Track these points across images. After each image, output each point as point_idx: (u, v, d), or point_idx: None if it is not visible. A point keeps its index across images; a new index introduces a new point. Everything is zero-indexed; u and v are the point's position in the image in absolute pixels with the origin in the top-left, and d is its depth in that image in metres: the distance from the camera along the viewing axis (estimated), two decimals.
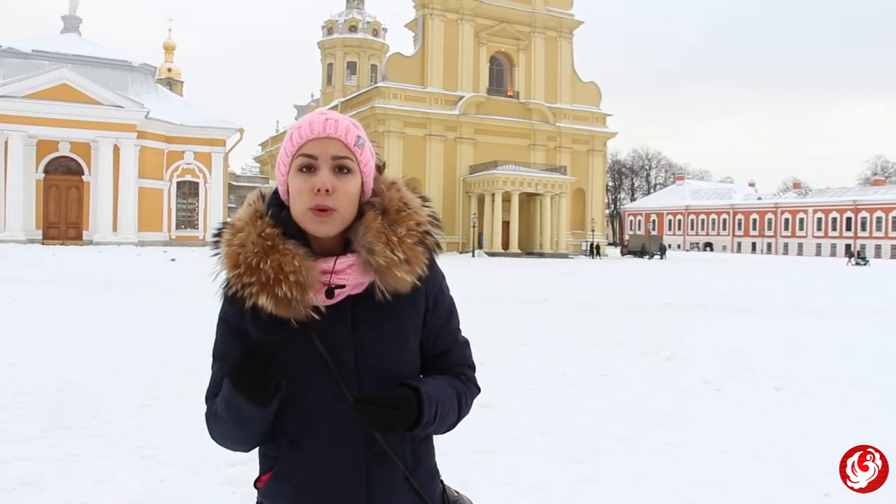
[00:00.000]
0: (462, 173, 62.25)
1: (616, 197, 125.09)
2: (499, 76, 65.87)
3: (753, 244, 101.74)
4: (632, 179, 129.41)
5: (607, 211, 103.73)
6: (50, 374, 7.83)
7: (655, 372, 8.86)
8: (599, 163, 70.39)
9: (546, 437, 5.81)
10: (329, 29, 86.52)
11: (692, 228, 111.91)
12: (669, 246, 71.14)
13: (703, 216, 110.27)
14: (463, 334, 1.78)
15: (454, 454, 5.10)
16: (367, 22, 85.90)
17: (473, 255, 54.85)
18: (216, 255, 1.59)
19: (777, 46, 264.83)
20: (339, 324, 1.54)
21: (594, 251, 63.42)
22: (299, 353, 1.52)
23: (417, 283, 1.59)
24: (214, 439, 1.62)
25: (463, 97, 62.19)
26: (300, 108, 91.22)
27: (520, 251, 58.09)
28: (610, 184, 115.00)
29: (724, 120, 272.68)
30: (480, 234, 59.10)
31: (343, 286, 1.54)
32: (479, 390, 1.76)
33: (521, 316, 14.95)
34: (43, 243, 44.53)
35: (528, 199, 60.93)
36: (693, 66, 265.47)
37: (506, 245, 58.19)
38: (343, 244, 1.57)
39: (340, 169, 1.53)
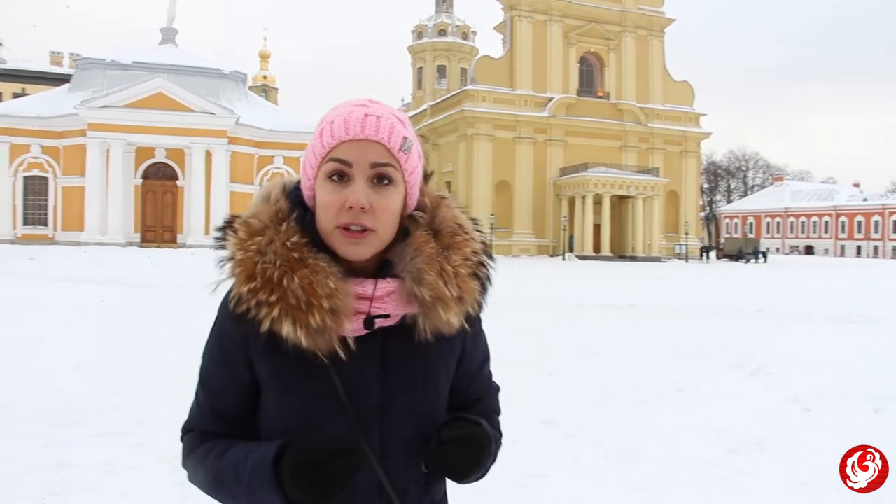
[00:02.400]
0: (552, 176, 61.66)
1: (711, 199, 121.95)
2: (588, 77, 65.00)
3: (858, 248, 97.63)
4: (728, 181, 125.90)
5: (702, 213, 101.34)
6: (111, 378, 7.82)
7: (738, 388, 8.18)
8: (693, 164, 68.72)
9: (607, 460, 5.34)
10: (419, 33, 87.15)
11: (791, 231, 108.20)
12: (767, 249, 68.86)
13: (803, 218, 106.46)
14: (494, 379, 1.54)
15: (504, 476, 4.76)
16: (457, 25, 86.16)
17: (563, 259, 54.28)
18: (224, 258, 1.26)
19: (885, 39, 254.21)
20: (367, 363, 1.27)
21: (705, 253, 62.28)
22: (314, 393, 1.25)
23: (465, 325, 1.32)
24: (193, 483, 1.34)
25: (552, 99, 61.59)
26: None
27: (611, 254, 57.15)
28: (705, 185, 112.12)
29: (826, 118, 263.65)
30: (571, 237, 58.44)
31: (386, 316, 1.26)
32: (502, 437, 1.50)
33: (601, 322, 14.41)
34: (140, 246, 46.18)
35: (620, 202, 59.93)
36: (792, 62, 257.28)
37: (597, 248, 57.34)
38: (379, 263, 1.29)
39: (380, 179, 1.24)
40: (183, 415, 1.39)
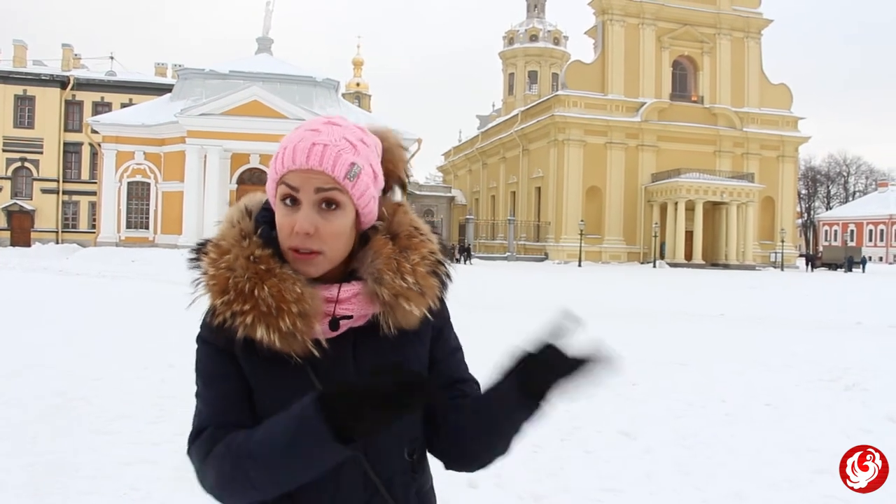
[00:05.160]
0: (644, 181, 60.78)
1: (810, 206, 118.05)
2: (682, 81, 63.83)
3: None
4: (827, 187, 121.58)
5: (799, 221, 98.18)
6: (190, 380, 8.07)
7: (830, 404, 7.85)
8: (790, 169, 66.65)
9: (685, 477, 5.21)
10: (510, 39, 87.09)
11: None
12: (870, 258, 66.25)
13: None
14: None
15: (576, 489, 4.77)
16: (548, 31, 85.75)
17: (654, 266, 53.35)
18: (197, 277, 1.35)
19: None
20: (340, 360, 1.35)
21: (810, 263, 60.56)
22: (293, 392, 1.27)
23: (429, 316, 1.41)
24: (214, 489, 1.31)
25: (644, 103, 60.70)
26: (482, 118, 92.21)
27: (703, 262, 55.95)
28: (802, 192, 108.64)
29: None
30: (662, 244, 57.41)
31: (350, 317, 1.36)
32: None
33: (688, 332, 14.11)
34: None
35: (713, 208, 58.61)
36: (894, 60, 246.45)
37: (688, 255, 56.21)
38: (345, 268, 1.38)
39: (328, 204, 1.31)
40: None
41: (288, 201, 1.31)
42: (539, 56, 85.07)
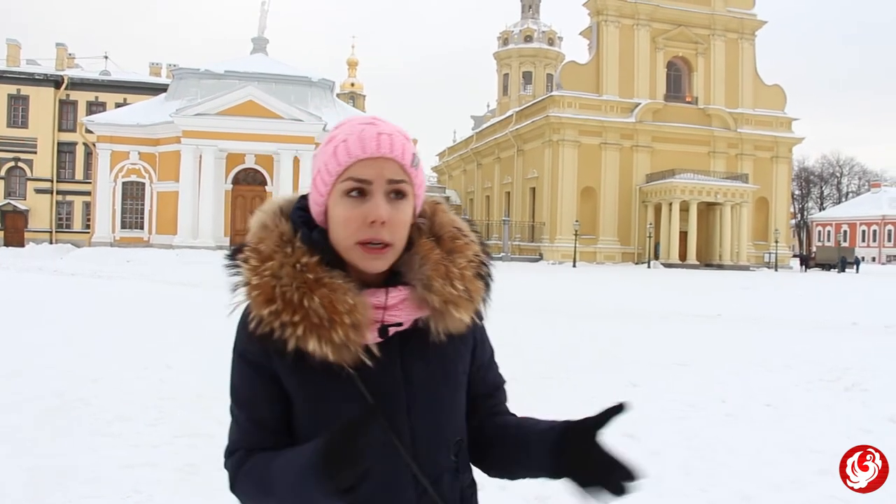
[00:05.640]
0: (638, 182, 60.79)
1: (803, 206, 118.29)
2: (676, 82, 63.89)
3: None
4: (820, 187, 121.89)
5: (793, 221, 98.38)
6: (197, 379, 8.03)
7: (830, 404, 7.85)
8: (784, 170, 66.77)
9: (689, 477, 5.22)
10: (504, 40, 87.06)
11: (889, 240, 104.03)
12: (863, 259, 66.38)
13: None
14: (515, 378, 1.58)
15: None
16: (543, 31, 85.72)
17: (649, 266, 53.42)
18: (238, 284, 1.32)
19: None
20: (388, 366, 1.34)
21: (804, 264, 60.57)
22: (342, 399, 1.31)
23: (477, 320, 1.44)
24: (242, 499, 1.37)
25: (639, 104, 60.73)
26: (476, 119, 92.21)
27: (698, 262, 55.99)
28: (796, 192, 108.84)
29: None
30: (657, 245, 57.49)
31: (400, 324, 1.34)
32: None
33: (685, 333, 14.08)
34: None
35: (708, 209, 58.69)
36: (894, 62, 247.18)
37: (683, 256, 56.25)
38: (386, 273, 1.35)
39: (396, 194, 1.30)
40: None
41: (354, 193, 1.29)
42: (534, 57, 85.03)
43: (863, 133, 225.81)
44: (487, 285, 1.43)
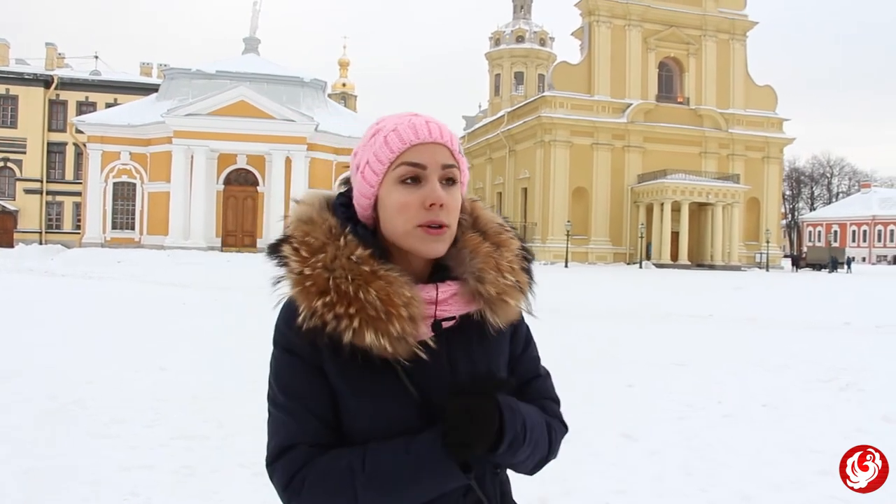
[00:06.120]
0: (630, 182, 60.94)
1: (794, 206, 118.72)
2: (668, 82, 64.06)
3: None
4: (811, 188, 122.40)
5: (784, 221, 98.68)
6: (193, 380, 8.00)
7: (827, 404, 7.84)
8: (775, 171, 67.02)
9: (690, 478, 5.19)
10: (496, 40, 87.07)
11: (879, 240, 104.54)
12: (853, 259, 66.63)
13: (892, 227, 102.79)
14: (543, 365, 1.58)
15: (582, 491, 4.75)
16: (534, 32, 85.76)
17: (641, 267, 53.55)
18: (284, 275, 1.32)
19: None
20: (435, 360, 1.32)
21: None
22: (389, 393, 1.31)
23: (524, 312, 1.44)
24: (314, 494, 1.28)
25: (631, 105, 60.87)
26: (468, 119, 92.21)
27: (689, 263, 56.16)
28: (787, 193, 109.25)
29: None
30: (648, 245, 57.64)
31: (452, 318, 1.35)
32: (566, 429, 1.55)
33: (681, 333, 14.07)
34: (221, 250, 47.25)
35: (699, 209, 58.88)
36: (884, 63, 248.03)
37: (675, 256, 56.38)
38: (430, 268, 1.37)
39: (448, 180, 1.33)
40: (263, 420, 1.40)
41: (409, 180, 1.30)
42: (525, 57, 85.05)
43: (853, 134, 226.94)
44: (532, 278, 1.45)
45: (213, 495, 4.60)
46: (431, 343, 1.30)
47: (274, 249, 1.35)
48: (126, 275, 27.29)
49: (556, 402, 1.55)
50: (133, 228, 50.51)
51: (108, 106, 57.99)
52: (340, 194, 1.44)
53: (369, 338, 1.24)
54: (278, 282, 1.33)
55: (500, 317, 1.37)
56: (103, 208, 50.01)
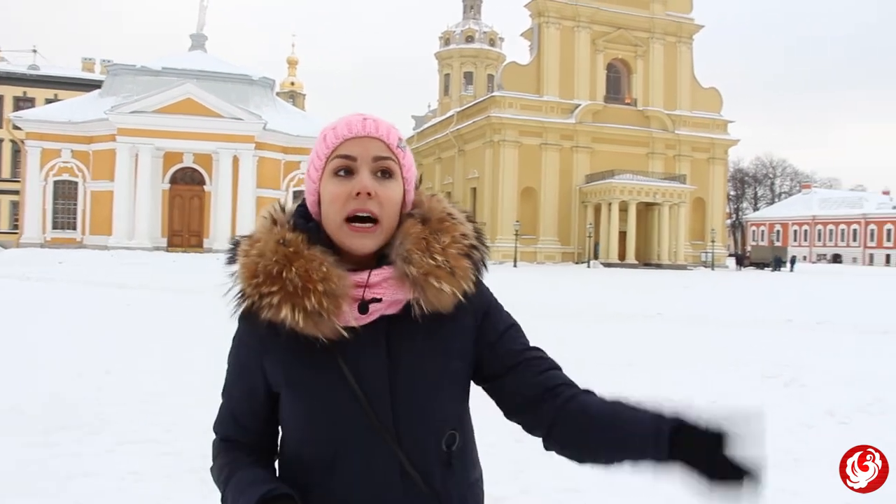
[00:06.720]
0: (578, 182, 61.45)
1: (738, 206, 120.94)
2: (616, 83, 64.75)
3: (887, 256, 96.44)
4: (755, 188, 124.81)
5: (728, 221, 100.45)
6: (139, 384, 7.82)
7: (772, 400, 7.93)
8: (720, 171, 68.21)
9: (642, 476, 5.17)
10: (446, 40, 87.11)
11: (819, 239, 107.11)
12: (796, 258, 68.09)
13: (831, 226, 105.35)
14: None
15: (537, 490, 4.72)
16: (484, 32, 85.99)
17: (588, 266, 54.02)
18: (233, 269, 1.38)
19: None
20: (373, 348, 1.34)
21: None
22: (325, 382, 1.32)
23: (462, 298, 1.37)
24: (214, 483, 1.46)
25: (579, 105, 61.38)
26: (417, 119, 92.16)
27: (637, 262, 56.84)
28: (731, 193, 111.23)
29: (856, 125, 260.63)
30: (596, 245, 58.18)
31: (379, 300, 1.34)
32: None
33: (630, 332, 14.18)
34: (167, 250, 46.55)
35: (646, 209, 59.59)
36: (821, 70, 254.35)
37: (622, 256, 57.02)
38: (377, 258, 1.38)
39: (383, 173, 1.36)
40: (210, 424, 1.50)
41: (342, 173, 1.35)
42: (475, 57, 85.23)
43: (795, 136, 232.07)
44: (477, 267, 1.41)
45: (161, 500, 4.47)
46: (356, 325, 1.31)
47: (231, 249, 1.42)
48: (68, 276, 26.67)
49: (560, 369, 1.48)
50: (75, 228, 49.45)
51: (48, 102, 56.76)
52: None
53: (285, 312, 1.28)
54: (232, 277, 1.38)
55: (432, 301, 1.34)
56: (43, 207, 48.85)
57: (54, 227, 49.19)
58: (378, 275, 1.34)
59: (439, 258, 1.34)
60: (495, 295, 1.51)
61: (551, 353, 1.48)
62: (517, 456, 5.41)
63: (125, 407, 6.82)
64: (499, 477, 5.02)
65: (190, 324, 13.29)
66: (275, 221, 1.39)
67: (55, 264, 33.52)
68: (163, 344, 10.91)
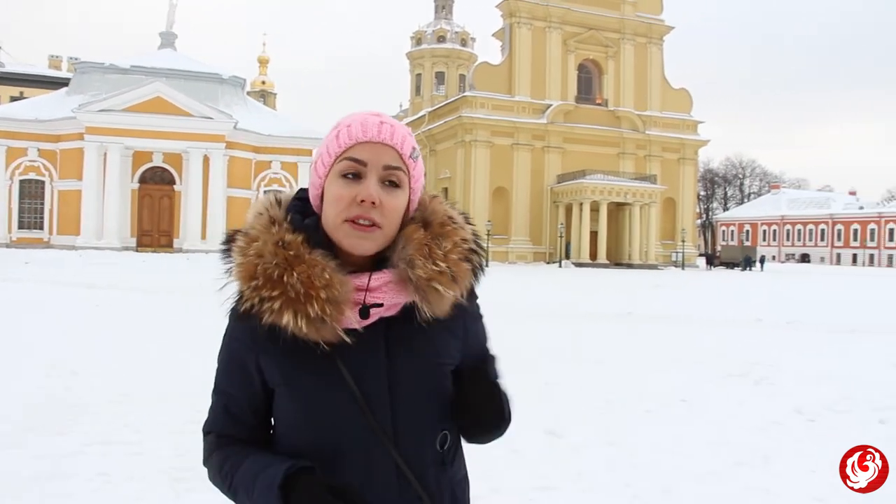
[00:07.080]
0: (549, 182, 61.69)
1: (708, 207, 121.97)
2: (587, 84, 65.07)
3: (854, 255, 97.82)
4: (724, 189, 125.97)
5: (699, 221, 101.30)
6: (107, 385, 7.72)
7: (742, 398, 8.07)
8: (690, 172, 68.82)
9: (613, 473, 5.22)
10: (418, 40, 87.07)
11: (788, 239, 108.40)
12: (765, 257, 68.84)
13: (799, 226, 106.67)
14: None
15: (509, 489, 4.72)
16: (456, 32, 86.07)
17: (560, 266, 54.24)
18: (228, 266, 1.36)
19: (884, 47, 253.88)
20: (372, 350, 1.35)
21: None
22: (324, 383, 1.33)
23: (463, 301, 1.42)
24: (212, 483, 1.45)
25: (551, 106, 61.63)
26: None
27: (608, 262, 57.14)
28: (701, 193, 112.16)
29: (824, 127, 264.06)
30: (567, 244, 58.44)
31: (380, 305, 1.34)
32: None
33: (600, 331, 14.26)
34: (136, 250, 46.08)
35: (617, 209, 59.95)
36: (789, 71, 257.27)
37: (593, 255, 57.31)
38: (377, 260, 1.38)
39: (391, 182, 1.35)
40: (181, 424, 1.55)
41: (350, 175, 1.33)
42: (446, 57, 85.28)
43: (764, 137, 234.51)
44: (475, 271, 1.44)
45: (133, 502, 4.43)
46: (359, 327, 1.31)
47: (224, 245, 1.40)
48: (35, 276, 26.30)
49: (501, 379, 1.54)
50: (42, 228, 48.79)
51: (14, 99, 56.06)
52: (303, 189, 1.47)
53: (287, 318, 1.27)
54: (227, 272, 1.36)
55: (433, 306, 1.35)
56: (9, 207, 48.14)
57: (20, 227, 48.50)
58: (378, 279, 1.34)
59: (442, 264, 1.35)
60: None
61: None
62: (485, 455, 5.43)
63: (94, 408, 6.73)
64: (470, 477, 5.03)
65: (160, 324, 13.17)
66: (272, 220, 1.37)
67: (21, 264, 32.99)
68: (132, 344, 10.78)
